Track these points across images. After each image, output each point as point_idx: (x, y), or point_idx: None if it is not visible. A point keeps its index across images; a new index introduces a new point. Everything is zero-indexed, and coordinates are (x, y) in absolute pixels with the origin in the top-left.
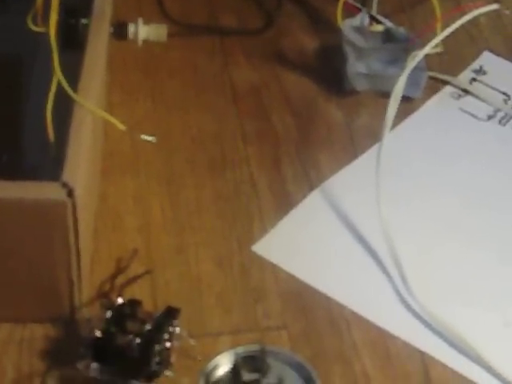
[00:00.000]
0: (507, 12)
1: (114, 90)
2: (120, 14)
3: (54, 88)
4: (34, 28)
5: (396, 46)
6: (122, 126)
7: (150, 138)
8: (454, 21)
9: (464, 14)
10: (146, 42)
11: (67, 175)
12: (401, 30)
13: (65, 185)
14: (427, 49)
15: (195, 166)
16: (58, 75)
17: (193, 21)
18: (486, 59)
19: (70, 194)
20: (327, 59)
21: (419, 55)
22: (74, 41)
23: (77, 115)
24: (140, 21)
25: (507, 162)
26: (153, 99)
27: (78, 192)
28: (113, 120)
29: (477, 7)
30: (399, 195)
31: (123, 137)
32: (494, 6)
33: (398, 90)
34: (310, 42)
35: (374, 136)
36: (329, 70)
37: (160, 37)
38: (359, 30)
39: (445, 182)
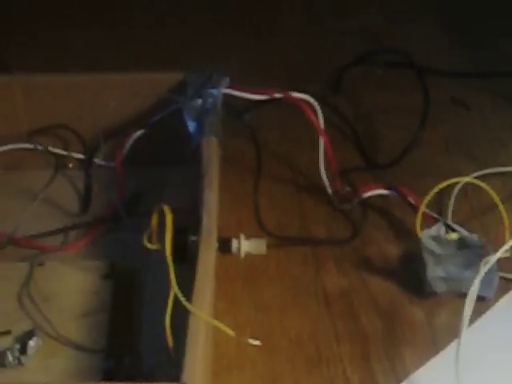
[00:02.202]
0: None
1: (219, 297)
2: (223, 230)
3: (171, 300)
4: (148, 246)
5: (470, 252)
6: (231, 332)
7: (255, 342)
8: None
9: None
10: (247, 253)
11: (186, 377)
12: (474, 237)
13: None
14: (498, 255)
15: (294, 364)
16: (175, 289)
17: (287, 233)
18: None
19: None
20: (408, 264)
21: (491, 260)
22: (183, 255)
23: (193, 324)
24: (242, 237)
25: None
26: (254, 305)
27: None
28: (223, 327)
29: None
30: None
31: (230, 340)
32: None
33: (474, 291)
34: (392, 250)
35: (453, 333)
36: (410, 274)
37: (260, 250)
38: (436, 238)
39: None
